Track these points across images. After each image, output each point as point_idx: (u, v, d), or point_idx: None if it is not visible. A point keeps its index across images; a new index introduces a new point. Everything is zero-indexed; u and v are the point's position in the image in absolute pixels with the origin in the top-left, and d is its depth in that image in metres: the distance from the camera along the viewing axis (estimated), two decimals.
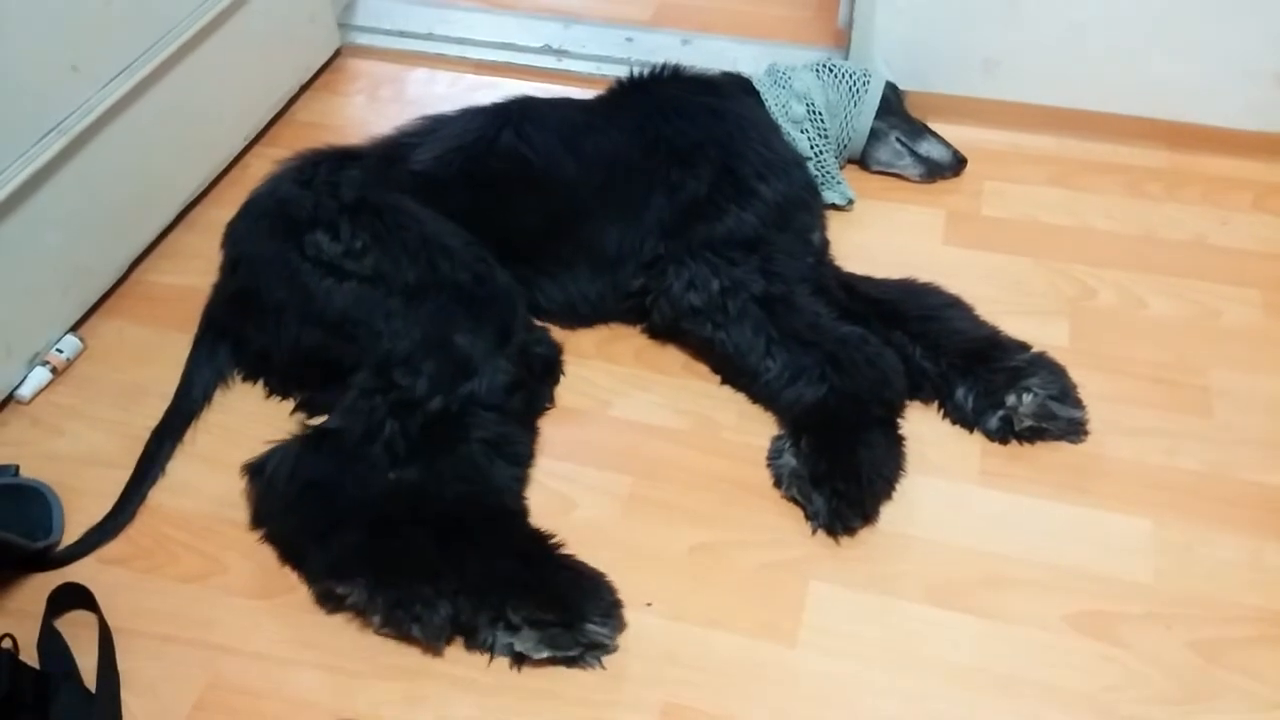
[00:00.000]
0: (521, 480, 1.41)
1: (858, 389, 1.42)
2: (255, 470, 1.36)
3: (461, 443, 1.35)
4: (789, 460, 1.39)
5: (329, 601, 1.27)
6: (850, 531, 1.34)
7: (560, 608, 1.21)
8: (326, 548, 1.26)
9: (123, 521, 1.39)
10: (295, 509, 1.31)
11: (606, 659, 1.23)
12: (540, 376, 1.52)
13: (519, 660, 1.22)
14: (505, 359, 1.42)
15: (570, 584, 1.24)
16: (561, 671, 1.23)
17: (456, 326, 1.40)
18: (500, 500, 1.35)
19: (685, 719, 1.18)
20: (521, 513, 1.36)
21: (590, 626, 1.21)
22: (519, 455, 1.41)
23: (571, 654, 1.22)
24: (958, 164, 1.88)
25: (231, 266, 1.53)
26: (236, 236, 1.54)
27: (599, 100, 1.77)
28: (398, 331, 1.40)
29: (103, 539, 1.37)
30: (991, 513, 1.38)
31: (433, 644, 1.23)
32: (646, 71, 1.77)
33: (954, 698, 1.20)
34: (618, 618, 1.23)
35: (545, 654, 1.21)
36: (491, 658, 1.23)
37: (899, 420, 1.44)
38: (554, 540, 1.29)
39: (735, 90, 1.80)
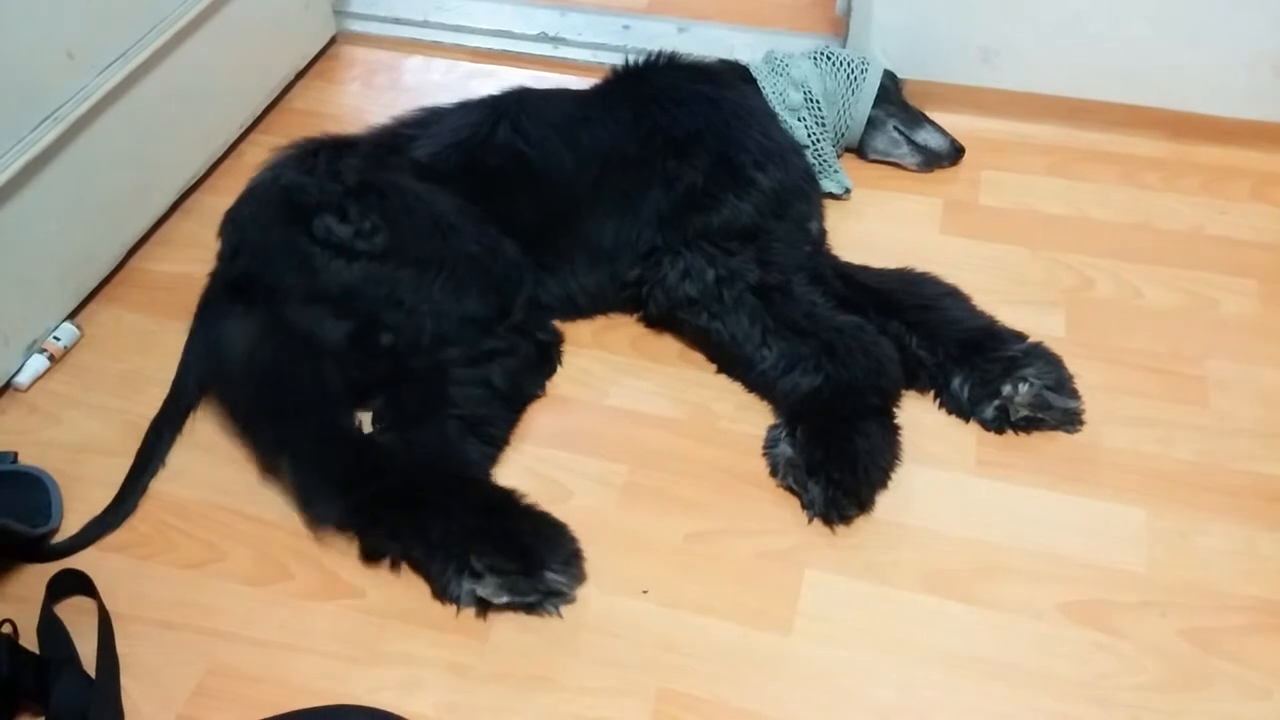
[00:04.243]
0: (492, 460, 1.44)
1: (853, 378, 1.42)
2: None
3: (439, 414, 1.39)
4: (785, 449, 1.40)
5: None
6: (846, 520, 1.35)
7: (520, 555, 1.26)
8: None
9: (124, 513, 1.39)
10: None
11: (602, 646, 1.24)
12: (536, 363, 1.53)
13: (482, 607, 1.26)
14: (494, 337, 1.46)
15: (531, 533, 1.28)
16: (557, 658, 1.23)
17: (466, 296, 1.44)
18: (464, 468, 1.39)
19: (680, 705, 1.19)
20: (484, 476, 1.41)
21: (549, 574, 1.25)
22: (493, 437, 1.44)
23: (530, 600, 1.26)
24: (955, 153, 1.88)
25: (232, 254, 1.52)
26: (238, 224, 1.53)
27: (595, 90, 1.76)
28: (399, 301, 1.42)
29: (104, 531, 1.37)
30: (987, 502, 1.38)
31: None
32: (642, 60, 1.77)
33: (948, 685, 1.20)
34: (577, 567, 1.28)
35: (505, 599, 1.25)
36: (459, 608, 1.27)
37: (895, 409, 1.44)
38: (516, 494, 1.33)
39: (732, 78, 1.80)
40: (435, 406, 1.40)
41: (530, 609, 1.27)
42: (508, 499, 1.33)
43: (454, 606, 1.28)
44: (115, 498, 1.40)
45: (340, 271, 1.44)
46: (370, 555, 1.32)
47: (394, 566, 1.32)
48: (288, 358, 1.41)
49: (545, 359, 1.55)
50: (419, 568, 1.30)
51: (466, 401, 1.41)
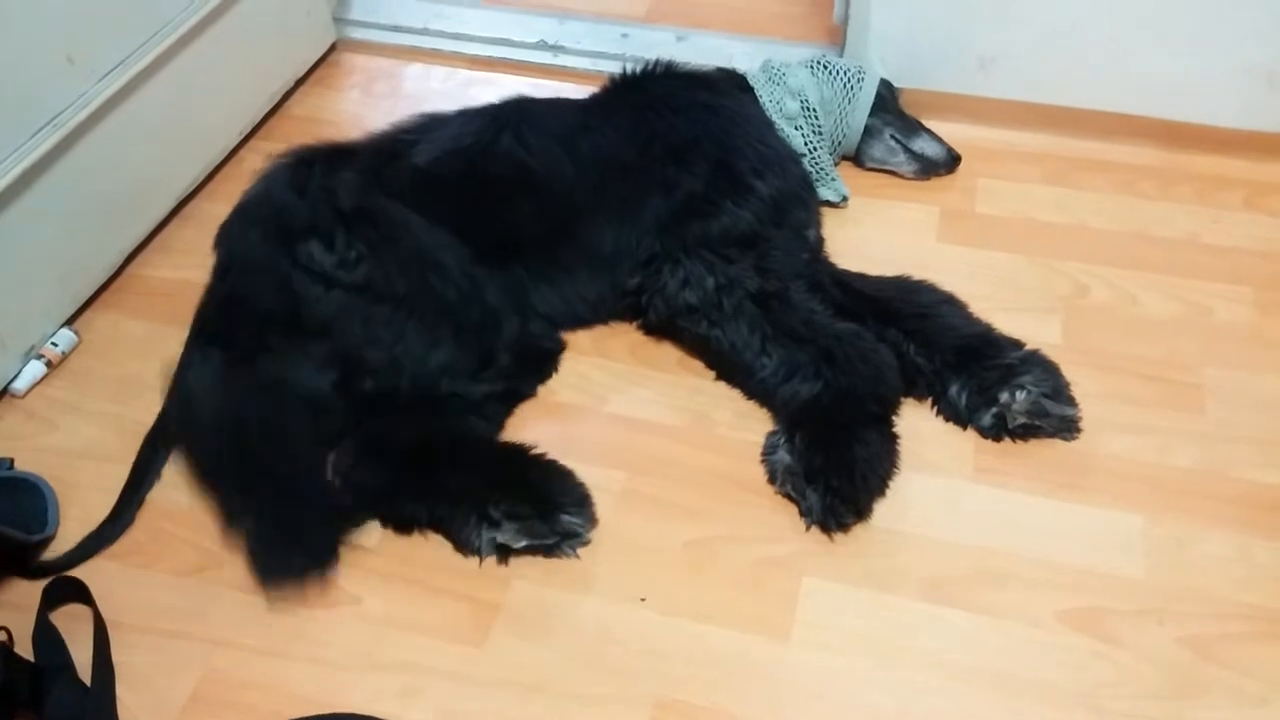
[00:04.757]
0: (495, 432, 1.49)
1: (852, 385, 1.42)
2: None
3: (435, 417, 1.43)
4: (783, 456, 1.40)
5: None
6: (844, 527, 1.35)
7: (536, 499, 1.32)
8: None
9: (120, 527, 1.39)
10: None
11: (600, 654, 1.24)
12: (533, 369, 1.54)
13: (503, 553, 1.32)
14: (483, 382, 1.47)
15: (544, 480, 1.35)
16: (555, 665, 1.23)
17: (440, 345, 1.44)
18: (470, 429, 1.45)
19: (678, 713, 1.19)
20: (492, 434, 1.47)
21: (565, 517, 1.32)
22: (492, 415, 1.49)
23: (549, 542, 1.32)
24: (952, 161, 1.88)
25: (223, 271, 1.52)
26: (229, 240, 1.52)
27: (594, 99, 1.76)
28: (377, 339, 1.42)
29: (101, 545, 1.37)
30: (985, 509, 1.38)
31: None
32: (640, 69, 1.77)
33: (946, 693, 1.20)
34: (590, 509, 1.34)
35: (524, 543, 1.31)
36: (481, 558, 1.33)
37: (894, 417, 1.44)
38: (525, 445, 1.39)
39: (730, 87, 1.81)
40: (430, 413, 1.44)
41: (549, 551, 1.33)
42: (518, 450, 1.39)
43: (476, 558, 1.33)
44: (111, 512, 1.39)
45: (319, 300, 1.43)
46: (400, 524, 1.36)
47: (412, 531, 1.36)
48: (265, 412, 1.40)
49: (543, 364, 1.55)
50: (441, 525, 1.35)
51: (458, 390, 1.45)
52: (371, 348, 1.42)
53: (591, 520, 1.34)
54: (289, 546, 1.32)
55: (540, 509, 1.32)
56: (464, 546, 1.34)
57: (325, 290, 1.43)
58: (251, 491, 1.36)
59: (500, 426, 1.49)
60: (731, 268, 1.53)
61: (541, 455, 1.38)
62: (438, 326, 1.45)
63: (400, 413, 1.42)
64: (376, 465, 1.38)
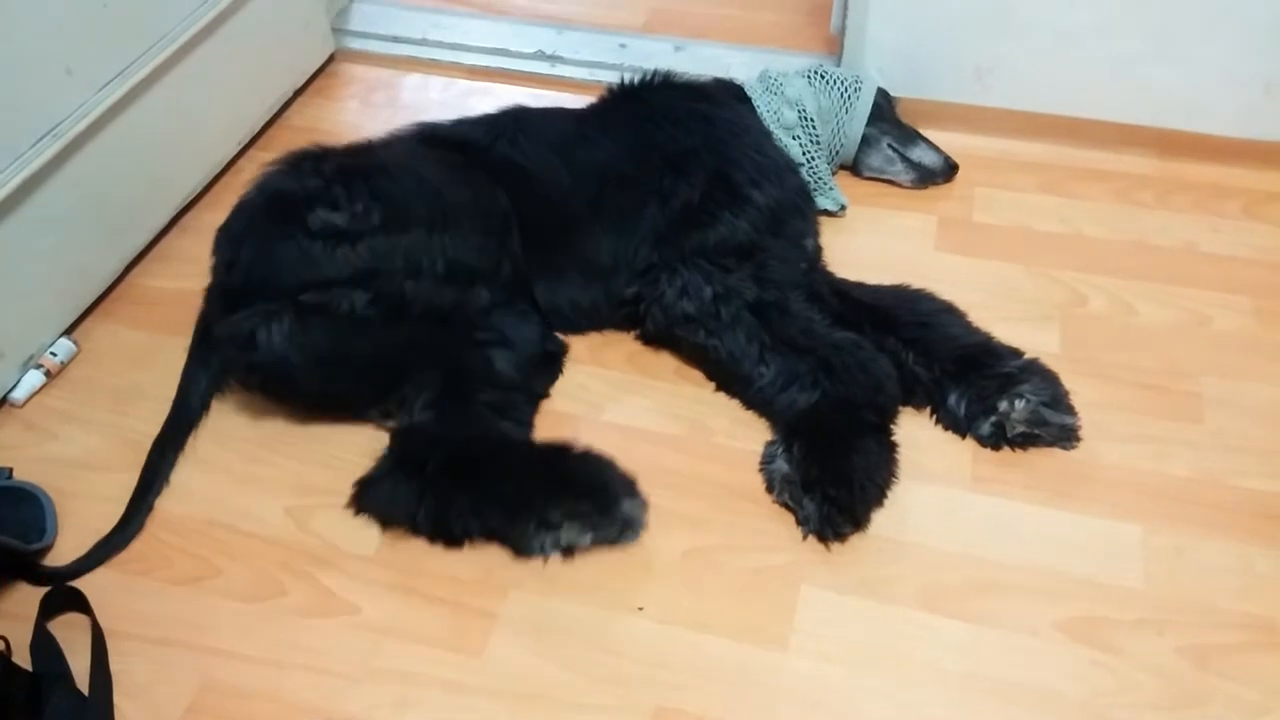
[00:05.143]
0: (526, 435, 1.48)
1: (851, 395, 1.42)
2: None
3: (470, 402, 1.42)
4: (781, 465, 1.40)
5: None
6: (841, 537, 1.35)
7: (592, 494, 1.32)
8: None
9: (131, 533, 1.39)
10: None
11: (598, 663, 1.24)
12: (543, 370, 1.55)
13: (568, 553, 1.33)
14: (509, 261, 1.52)
15: (593, 472, 1.35)
16: (553, 675, 1.23)
17: (471, 239, 1.47)
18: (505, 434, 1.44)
19: None
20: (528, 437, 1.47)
21: (624, 505, 1.31)
22: (520, 420, 1.48)
23: (612, 534, 1.32)
24: (949, 170, 1.89)
25: (228, 266, 1.50)
26: (232, 236, 1.51)
27: (592, 109, 1.77)
28: (418, 268, 1.44)
29: (111, 552, 1.37)
30: (983, 518, 1.38)
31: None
32: (638, 79, 1.78)
33: (945, 703, 1.20)
34: (640, 494, 1.33)
35: (589, 539, 1.32)
36: (546, 558, 1.33)
37: (892, 427, 1.44)
38: (562, 441, 1.39)
39: (727, 97, 1.81)
40: (465, 389, 1.43)
41: (613, 542, 1.33)
42: (560, 448, 1.38)
43: (539, 558, 1.34)
44: (121, 519, 1.39)
45: (348, 257, 1.43)
46: (454, 539, 1.36)
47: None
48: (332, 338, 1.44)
49: (551, 364, 1.56)
50: (497, 535, 1.35)
51: (490, 383, 1.44)
52: (413, 278, 1.43)
53: (644, 505, 1.33)
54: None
55: (599, 503, 1.31)
56: (526, 552, 1.34)
57: (352, 247, 1.43)
58: None
59: (530, 427, 1.49)
60: (729, 277, 1.53)
61: (585, 449, 1.37)
62: (467, 223, 1.48)
63: (435, 422, 1.41)
64: (418, 484, 1.36)
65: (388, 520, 1.38)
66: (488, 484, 1.34)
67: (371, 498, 1.38)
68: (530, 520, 1.32)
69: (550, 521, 1.31)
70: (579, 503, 1.31)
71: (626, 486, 1.33)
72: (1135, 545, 1.34)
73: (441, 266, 1.45)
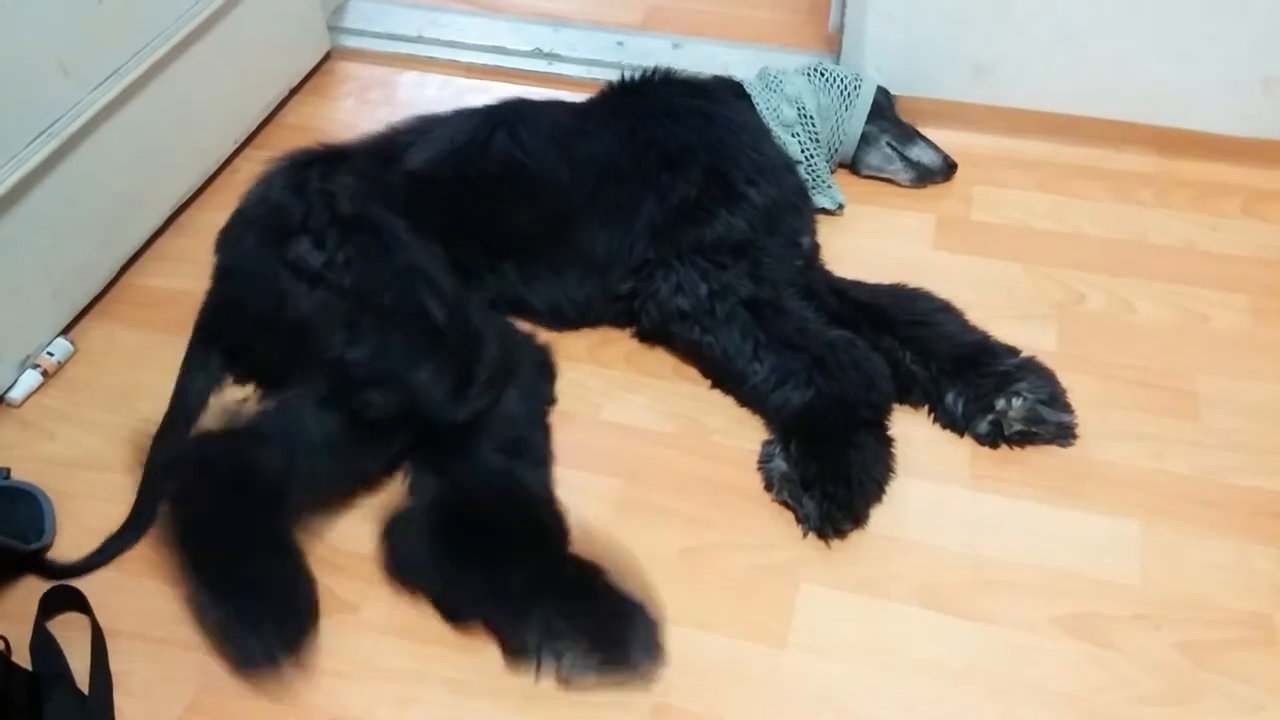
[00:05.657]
0: (546, 477, 1.40)
1: (844, 393, 1.42)
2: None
3: (476, 447, 1.36)
4: (779, 464, 1.40)
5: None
6: (841, 534, 1.35)
7: (608, 642, 1.21)
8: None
9: (141, 529, 1.38)
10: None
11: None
12: (535, 377, 1.53)
13: (568, 679, 1.21)
14: (463, 403, 1.38)
15: (616, 615, 1.23)
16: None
17: (421, 364, 1.37)
18: (538, 510, 1.34)
19: None
20: (563, 534, 1.32)
21: (635, 658, 1.21)
22: (536, 455, 1.42)
23: (619, 679, 1.21)
24: (948, 169, 1.89)
25: (222, 274, 1.52)
26: (229, 244, 1.53)
27: (590, 104, 1.77)
28: (358, 343, 1.37)
29: (123, 547, 1.36)
30: (981, 515, 1.38)
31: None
32: (638, 75, 1.78)
33: (943, 699, 1.20)
34: (659, 647, 1.23)
35: (589, 677, 1.21)
36: (538, 676, 1.22)
37: (887, 423, 1.45)
38: (596, 563, 1.26)
39: (726, 94, 1.81)
40: (470, 441, 1.37)
41: (616, 686, 1.22)
42: (591, 571, 1.26)
43: (528, 671, 1.23)
44: (130, 515, 1.38)
45: (301, 296, 1.40)
46: (446, 616, 1.28)
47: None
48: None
49: (541, 372, 1.55)
50: (491, 627, 1.26)
51: (493, 428, 1.39)
52: (353, 349, 1.36)
53: (659, 659, 1.22)
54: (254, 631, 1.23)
55: (611, 654, 1.21)
56: (518, 656, 1.23)
57: (309, 288, 1.40)
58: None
59: (548, 450, 1.44)
60: (724, 274, 1.53)
61: (614, 582, 1.25)
62: (421, 344, 1.38)
63: (441, 459, 1.36)
64: (427, 545, 1.29)
65: (417, 591, 1.30)
66: (504, 571, 1.25)
67: (392, 561, 1.32)
68: (533, 634, 1.21)
69: (556, 647, 1.20)
70: (592, 644, 1.20)
71: (645, 640, 1.22)
72: (1133, 542, 1.35)
73: (364, 356, 1.37)
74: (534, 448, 1.42)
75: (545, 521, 1.32)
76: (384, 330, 1.38)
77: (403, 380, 1.36)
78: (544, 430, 1.47)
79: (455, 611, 1.27)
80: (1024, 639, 1.25)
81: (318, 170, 1.55)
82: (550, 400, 1.53)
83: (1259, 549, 1.34)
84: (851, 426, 1.40)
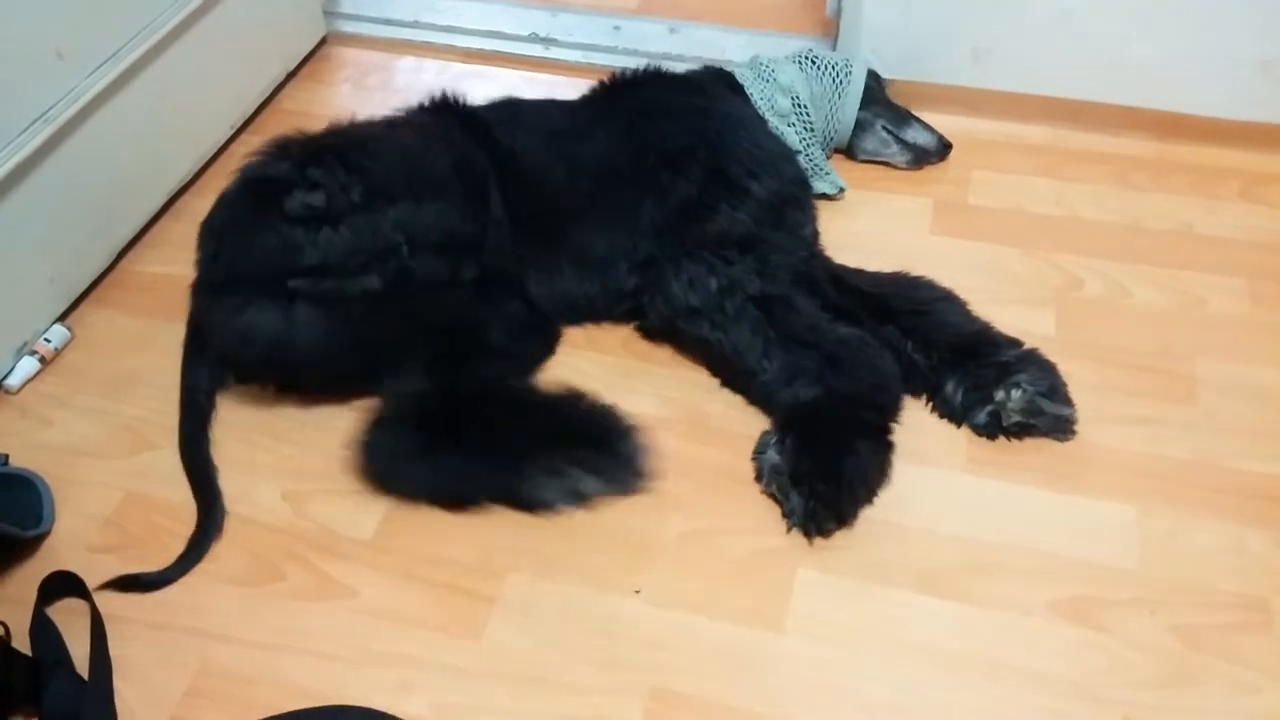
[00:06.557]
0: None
1: (854, 391, 1.41)
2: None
3: (463, 370, 1.45)
4: (772, 456, 1.39)
5: None
6: (824, 533, 1.34)
7: (599, 442, 1.37)
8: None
9: (218, 522, 1.38)
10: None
11: (596, 646, 1.24)
12: (533, 340, 1.58)
13: (583, 501, 1.36)
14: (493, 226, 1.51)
15: (597, 420, 1.40)
16: (551, 658, 1.23)
17: (460, 211, 1.47)
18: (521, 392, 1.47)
19: (673, 704, 1.19)
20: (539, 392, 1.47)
21: (631, 450, 1.38)
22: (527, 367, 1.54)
23: (624, 481, 1.37)
24: (943, 149, 1.89)
25: (212, 257, 1.48)
26: (214, 229, 1.49)
27: (583, 103, 1.75)
28: (412, 237, 1.42)
29: (207, 543, 1.36)
30: (978, 500, 1.39)
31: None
32: (629, 73, 1.76)
33: (939, 683, 1.21)
34: (644, 440, 1.40)
35: (603, 489, 1.36)
36: (561, 510, 1.36)
37: (892, 425, 1.43)
38: (562, 390, 1.44)
39: (720, 88, 1.79)
40: (459, 359, 1.46)
41: (625, 489, 1.38)
42: (560, 397, 1.43)
43: (547, 512, 1.36)
44: (199, 515, 1.38)
45: (331, 240, 1.39)
46: (463, 501, 1.37)
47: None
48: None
49: (543, 337, 1.59)
50: (507, 493, 1.36)
51: (483, 352, 1.47)
52: (412, 252, 1.42)
53: (648, 449, 1.39)
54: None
55: (606, 449, 1.37)
56: (540, 506, 1.36)
57: (334, 227, 1.40)
58: None
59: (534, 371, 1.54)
60: (733, 269, 1.52)
61: (583, 395, 1.43)
62: (451, 191, 1.48)
63: (444, 374, 1.43)
64: (420, 438, 1.38)
65: (392, 486, 1.38)
66: (488, 433, 1.36)
67: (374, 460, 1.38)
68: (537, 471, 1.34)
69: (558, 470, 1.34)
70: (586, 451, 1.35)
71: (630, 431, 1.38)
72: (1130, 526, 1.35)
73: (436, 236, 1.43)
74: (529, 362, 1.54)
75: (525, 394, 1.46)
76: (420, 208, 1.44)
77: (451, 234, 1.46)
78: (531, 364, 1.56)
79: (458, 498, 1.37)
80: (1021, 623, 1.26)
81: (297, 146, 1.51)
82: (536, 365, 1.57)
83: (1256, 532, 1.34)
84: (853, 428, 1.39)
